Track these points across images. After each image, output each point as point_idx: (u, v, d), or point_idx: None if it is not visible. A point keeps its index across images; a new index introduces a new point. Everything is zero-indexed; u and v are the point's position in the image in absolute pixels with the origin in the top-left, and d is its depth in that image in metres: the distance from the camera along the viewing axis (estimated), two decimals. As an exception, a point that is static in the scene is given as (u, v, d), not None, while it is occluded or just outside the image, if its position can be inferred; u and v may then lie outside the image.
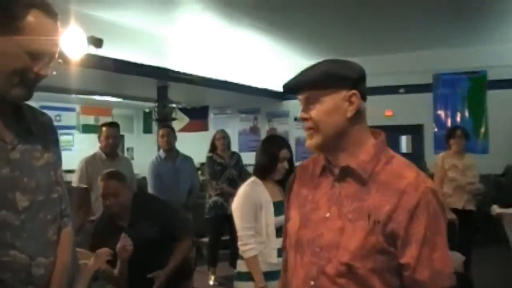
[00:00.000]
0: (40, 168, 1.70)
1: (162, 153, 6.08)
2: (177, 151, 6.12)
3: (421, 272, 1.60)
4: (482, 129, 10.50)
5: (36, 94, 6.96)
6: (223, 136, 6.78)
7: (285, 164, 3.48)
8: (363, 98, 1.72)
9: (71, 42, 5.76)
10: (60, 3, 6.78)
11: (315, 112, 1.68)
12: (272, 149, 3.51)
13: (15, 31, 1.56)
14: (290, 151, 3.56)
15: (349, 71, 1.71)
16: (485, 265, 6.77)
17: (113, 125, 5.75)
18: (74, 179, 5.36)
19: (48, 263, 1.69)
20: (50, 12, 1.62)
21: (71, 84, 7.55)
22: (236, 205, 3.47)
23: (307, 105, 1.70)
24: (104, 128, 5.58)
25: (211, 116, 13.06)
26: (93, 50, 6.61)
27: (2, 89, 1.60)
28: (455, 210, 5.88)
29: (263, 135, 12.23)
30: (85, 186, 5.30)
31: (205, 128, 12.86)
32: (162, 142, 6.06)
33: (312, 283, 1.69)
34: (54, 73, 1.66)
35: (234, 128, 12.11)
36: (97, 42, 6.63)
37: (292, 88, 1.74)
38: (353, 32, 9.12)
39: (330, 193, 1.72)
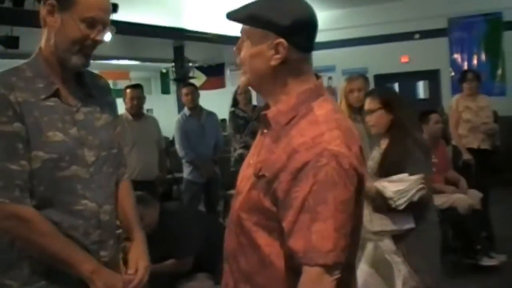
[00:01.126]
0: (100, 127, 1.91)
1: (186, 111, 6.29)
2: (201, 108, 6.33)
3: (295, 240, 1.43)
4: (499, 71, 10.48)
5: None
6: (245, 91, 6.93)
7: None
8: (300, 48, 1.53)
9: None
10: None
11: (243, 51, 1.58)
12: None
13: (72, 4, 1.76)
14: None
15: (280, 16, 1.50)
16: (504, 203, 6.92)
17: (137, 87, 6.02)
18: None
19: (111, 210, 1.92)
20: None
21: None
22: None
23: (241, 41, 1.60)
24: (128, 90, 5.83)
25: (227, 73, 13.14)
26: (109, 15, 6.73)
27: (64, 59, 1.80)
28: (471, 150, 6.02)
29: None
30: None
31: (222, 85, 12.97)
32: (186, 100, 6.25)
33: (227, 227, 1.69)
34: (109, 39, 1.88)
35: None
36: (113, 7, 6.75)
37: (230, 19, 1.61)
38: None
39: (258, 140, 1.66)
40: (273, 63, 1.52)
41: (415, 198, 3.12)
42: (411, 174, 3.14)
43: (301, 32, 1.52)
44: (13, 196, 1.70)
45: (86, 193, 1.81)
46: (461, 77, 6.42)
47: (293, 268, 1.47)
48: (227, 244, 1.67)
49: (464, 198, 5.09)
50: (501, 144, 6.77)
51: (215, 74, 13.06)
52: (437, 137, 5.31)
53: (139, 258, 1.97)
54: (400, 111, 3.39)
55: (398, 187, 3.12)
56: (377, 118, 3.44)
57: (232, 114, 6.71)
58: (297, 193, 1.42)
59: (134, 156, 5.44)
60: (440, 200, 5.06)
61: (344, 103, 4.46)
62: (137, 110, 5.80)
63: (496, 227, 5.58)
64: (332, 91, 11.58)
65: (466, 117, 6.12)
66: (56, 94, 1.81)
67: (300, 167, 1.42)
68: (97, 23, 1.79)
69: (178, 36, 8.86)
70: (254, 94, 7.14)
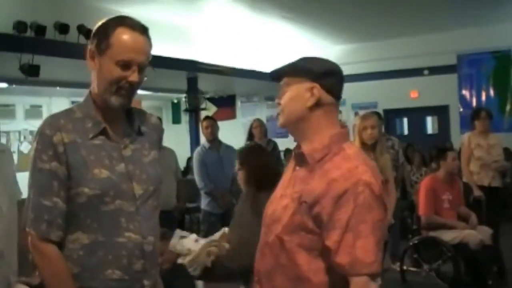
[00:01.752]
0: (148, 163, 2.02)
1: (206, 143, 6.40)
2: (220, 141, 6.43)
3: (342, 256, 1.69)
4: (508, 107, 10.58)
5: (68, 90, 7.32)
6: (260, 125, 7.04)
7: None
8: (330, 93, 1.85)
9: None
10: (94, 3, 7.12)
11: (284, 97, 1.88)
12: None
13: (107, 49, 1.88)
14: None
15: (314, 66, 1.86)
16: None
17: None
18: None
19: (155, 241, 2.02)
20: (136, 28, 1.92)
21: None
22: None
23: (282, 92, 1.90)
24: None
25: (238, 104, 13.31)
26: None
27: (105, 99, 1.92)
28: (482, 187, 6.11)
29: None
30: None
31: (232, 116, 13.10)
32: (206, 133, 6.36)
33: (259, 249, 1.94)
34: (145, 79, 1.96)
35: (262, 116, 12.28)
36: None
37: (273, 76, 1.93)
38: (374, 16, 9.26)
39: (291, 175, 1.92)
40: (308, 104, 1.83)
41: (208, 264, 3.18)
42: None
43: (331, 79, 1.87)
44: (39, 229, 1.85)
45: (129, 226, 1.92)
46: (474, 114, 6.53)
47: (328, 282, 1.77)
48: (261, 266, 1.91)
49: (475, 234, 5.16)
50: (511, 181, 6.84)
51: (226, 105, 13.20)
52: (453, 174, 5.43)
53: None
54: (251, 166, 3.64)
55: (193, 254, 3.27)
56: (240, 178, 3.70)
57: None
58: (340, 215, 1.69)
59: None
60: (451, 236, 5.14)
61: (358, 141, 4.53)
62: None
63: (507, 261, 5.61)
64: (342, 125, 11.69)
65: (478, 154, 6.21)
66: (103, 132, 1.93)
67: (342, 193, 1.70)
68: (131, 64, 1.88)
69: (191, 68, 9.01)
70: (269, 128, 7.27)
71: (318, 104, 1.83)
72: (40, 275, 1.93)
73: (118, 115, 1.99)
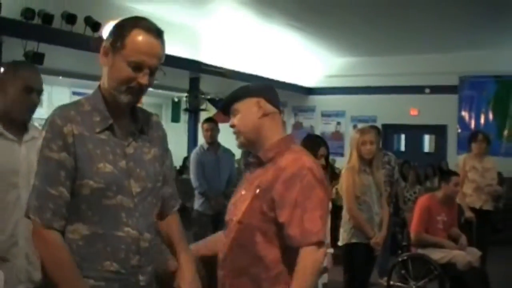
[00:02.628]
0: (148, 161, 2.05)
1: (205, 144, 6.42)
2: (219, 144, 6.46)
3: (293, 229, 2.08)
4: (506, 132, 10.65)
5: (70, 81, 7.35)
6: None
7: (322, 161, 3.77)
8: (272, 104, 2.27)
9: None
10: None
11: (237, 118, 2.26)
12: (311, 148, 3.80)
13: (121, 48, 1.92)
14: (327, 149, 3.84)
15: (254, 86, 2.33)
16: (503, 262, 6.97)
17: None
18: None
19: (151, 239, 2.04)
20: (151, 31, 1.95)
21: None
22: None
23: (233, 116, 2.28)
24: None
25: (238, 108, 13.27)
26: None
27: (114, 95, 1.96)
28: (473, 210, 6.14)
29: (289, 129, 12.48)
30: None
31: (232, 119, 13.09)
32: (206, 136, 6.39)
33: (223, 242, 2.25)
34: (156, 81, 2.00)
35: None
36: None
37: (223, 107, 2.32)
38: (381, 32, 9.34)
39: (249, 177, 2.30)
40: (259, 115, 2.24)
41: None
42: None
43: (270, 93, 2.31)
44: (43, 217, 1.86)
45: (129, 221, 1.96)
46: (471, 136, 6.56)
47: (281, 258, 2.15)
48: (221, 251, 2.25)
49: (463, 255, 5.17)
50: (504, 205, 6.87)
51: (226, 108, 13.20)
52: (453, 198, 5.45)
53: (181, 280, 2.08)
54: None
55: None
56: None
57: (244, 151, 6.83)
58: (289, 195, 2.10)
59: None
60: (440, 255, 5.15)
61: (355, 155, 4.54)
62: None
63: (493, 284, 5.63)
64: (340, 136, 11.72)
65: (472, 177, 6.24)
66: (110, 128, 1.97)
67: (289, 177, 2.11)
68: (143, 67, 1.92)
69: (195, 68, 9.05)
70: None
71: (265, 114, 2.24)
72: (42, 264, 1.91)
73: (124, 112, 2.02)
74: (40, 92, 2.73)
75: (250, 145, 2.30)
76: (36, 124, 2.84)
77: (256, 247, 2.15)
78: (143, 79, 1.92)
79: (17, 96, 2.63)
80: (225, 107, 2.31)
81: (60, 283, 1.86)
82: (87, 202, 1.91)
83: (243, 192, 2.27)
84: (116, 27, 1.97)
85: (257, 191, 2.16)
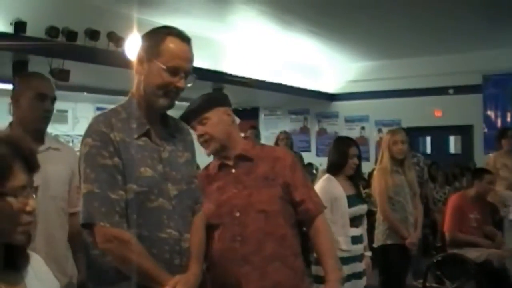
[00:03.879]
0: (182, 164, 2.15)
1: None
2: None
3: (309, 203, 2.53)
4: (533, 129, 10.48)
5: (93, 96, 7.41)
6: (287, 137, 7.07)
7: (355, 160, 3.78)
8: (234, 113, 2.59)
9: (133, 48, 6.11)
10: (125, 11, 7.22)
11: (209, 126, 2.45)
12: (343, 148, 3.82)
13: (157, 55, 2.02)
14: (358, 149, 3.84)
15: (219, 96, 2.71)
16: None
17: None
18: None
19: (189, 238, 2.11)
20: (183, 38, 2.07)
21: (130, 87, 7.95)
22: None
23: (204, 126, 2.45)
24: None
25: (261, 117, 13.36)
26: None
27: (152, 101, 2.05)
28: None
29: (313, 135, 12.50)
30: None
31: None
32: None
33: (239, 238, 2.41)
34: (189, 85, 2.09)
35: (284, 129, 12.36)
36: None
37: (191, 116, 2.46)
38: (400, 35, 9.29)
39: (231, 177, 2.50)
40: (230, 122, 2.51)
41: None
42: None
43: (229, 102, 2.59)
44: (113, 221, 1.93)
45: (170, 223, 2.03)
46: (500, 133, 6.50)
47: (295, 234, 2.53)
48: (246, 249, 2.40)
49: (500, 253, 5.11)
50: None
51: (248, 117, 13.23)
52: (485, 196, 5.39)
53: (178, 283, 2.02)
54: None
55: None
56: None
57: None
58: (297, 177, 2.52)
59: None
60: (475, 254, 5.09)
61: (387, 155, 4.52)
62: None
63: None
64: (364, 141, 11.66)
65: (504, 175, 6.18)
66: (146, 133, 2.06)
67: (290, 163, 2.53)
68: (179, 71, 2.03)
69: (217, 79, 9.08)
70: (294, 141, 7.30)
71: (232, 121, 2.54)
72: (126, 265, 1.92)
73: (157, 118, 2.11)
74: (53, 99, 2.76)
75: (222, 150, 2.50)
76: (61, 139, 2.85)
77: (280, 230, 2.45)
78: (180, 82, 2.03)
79: (30, 104, 2.67)
80: (196, 116, 2.45)
81: (150, 269, 1.91)
82: (132, 206, 1.97)
83: (235, 191, 2.46)
84: (149, 35, 2.09)
85: (268, 181, 2.46)
